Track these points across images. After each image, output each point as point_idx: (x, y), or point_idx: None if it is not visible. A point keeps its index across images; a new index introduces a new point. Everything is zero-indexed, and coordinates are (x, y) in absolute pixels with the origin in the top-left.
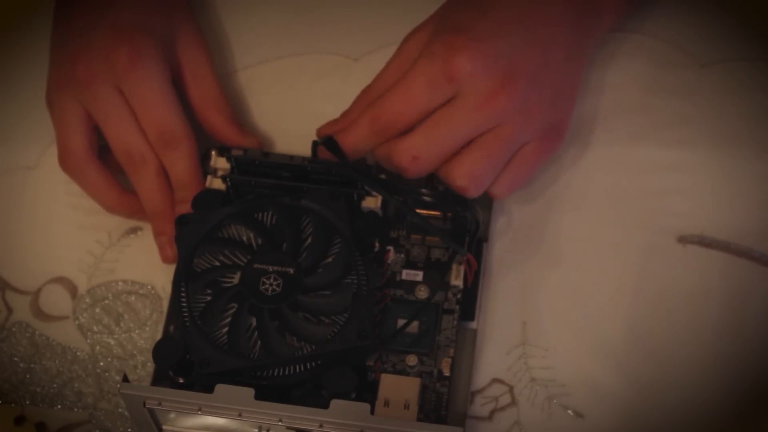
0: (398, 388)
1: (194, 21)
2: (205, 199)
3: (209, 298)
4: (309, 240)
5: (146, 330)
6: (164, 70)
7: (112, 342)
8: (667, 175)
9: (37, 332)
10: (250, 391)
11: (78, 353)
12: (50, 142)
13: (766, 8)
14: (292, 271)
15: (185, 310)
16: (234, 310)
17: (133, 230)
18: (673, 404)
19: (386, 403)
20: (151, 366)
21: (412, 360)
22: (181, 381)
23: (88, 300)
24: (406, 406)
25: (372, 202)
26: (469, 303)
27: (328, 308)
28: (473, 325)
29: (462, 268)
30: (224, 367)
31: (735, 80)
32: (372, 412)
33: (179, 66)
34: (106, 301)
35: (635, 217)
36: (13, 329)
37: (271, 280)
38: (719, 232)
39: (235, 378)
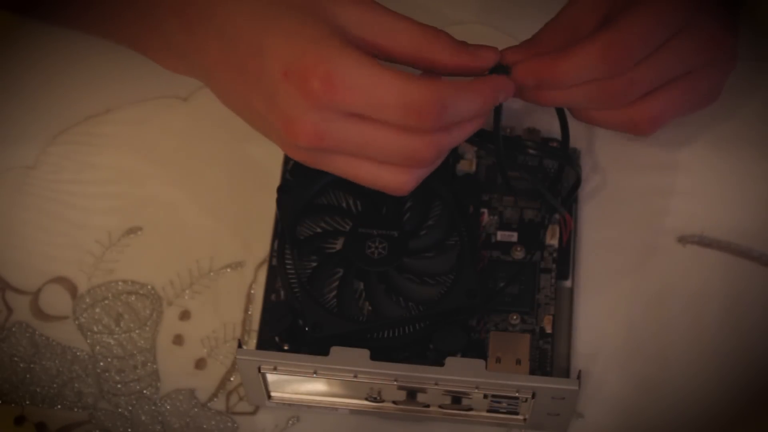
0: (508, 344)
1: None
2: (303, 167)
3: (315, 264)
4: (409, 203)
5: (146, 330)
6: (355, 55)
7: (112, 342)
8: (667, 175)
9: (37, 332)
10: (365, 352)
11: (78, 353)
12: (49, 141)
13: (766, 8)
14: (396, 234)
15: (293, 276)
16: (340, 274)
17: (133, 230)
18: (672, 404)
19: (498, 360)
20: (151, 366)
21: (514, 318)
22: (286, 348)
23: (88, 300)
24: (518, 362)
25: (466, 165)
26: (563, 262)
27: (433, 269)
28: (568, 283)
29: (557, 228)
30: (338, 330)
31: (735, 80)
32: (485, 368)
33: (353, 31)
34: (106, 301)
35: (635, 217)
36: (13, 329)
37: (377, 244)
38: (719, 232)
39: (343, 341)
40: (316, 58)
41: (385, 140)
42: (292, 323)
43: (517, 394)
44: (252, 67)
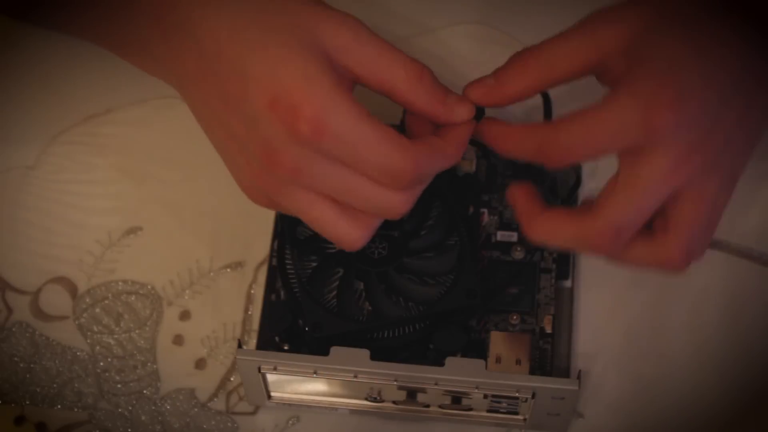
0: (508, 344)
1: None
2: None
3: (315, 264)
4: None
5: (146, 330)
6: (346, 103)
7: (112, 342)
8: None
9: (37, 332)
10: (365, 353)
11: (78, 353)
12: (50, 141)
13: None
14: (396, 234)
15: (293, 276)
16: (340, 274)
17: (133, 230)
18: (672, 404)
19: (498, 360)
20: (151, 366)
21: (514, 318)
22: (286, 348)
23: (88, 300)
24: (518, 362)
25: (466, 165)
26: (563, 262)
27: (433, 269)
28: (568, 283)
29: None
30: (337, 330)
31: None
32: (485, 368)
33: (335, 55)
34: (106, 301)
35: None
36: (13, 329)
37: (377, 244)
38: (719, 232)
39: (343, 341)
40: (306, 98)
41: (362, 189)
42: (292, 323)
43: (517, 394)
44: (233, 89)
